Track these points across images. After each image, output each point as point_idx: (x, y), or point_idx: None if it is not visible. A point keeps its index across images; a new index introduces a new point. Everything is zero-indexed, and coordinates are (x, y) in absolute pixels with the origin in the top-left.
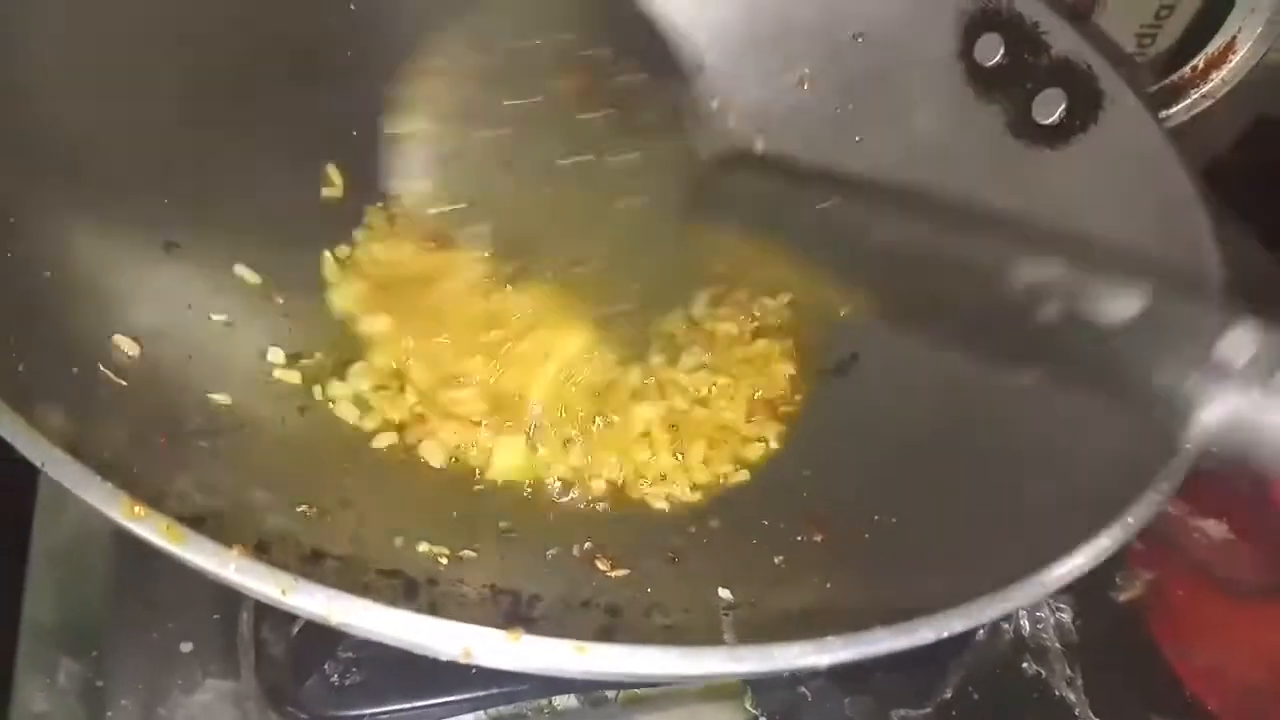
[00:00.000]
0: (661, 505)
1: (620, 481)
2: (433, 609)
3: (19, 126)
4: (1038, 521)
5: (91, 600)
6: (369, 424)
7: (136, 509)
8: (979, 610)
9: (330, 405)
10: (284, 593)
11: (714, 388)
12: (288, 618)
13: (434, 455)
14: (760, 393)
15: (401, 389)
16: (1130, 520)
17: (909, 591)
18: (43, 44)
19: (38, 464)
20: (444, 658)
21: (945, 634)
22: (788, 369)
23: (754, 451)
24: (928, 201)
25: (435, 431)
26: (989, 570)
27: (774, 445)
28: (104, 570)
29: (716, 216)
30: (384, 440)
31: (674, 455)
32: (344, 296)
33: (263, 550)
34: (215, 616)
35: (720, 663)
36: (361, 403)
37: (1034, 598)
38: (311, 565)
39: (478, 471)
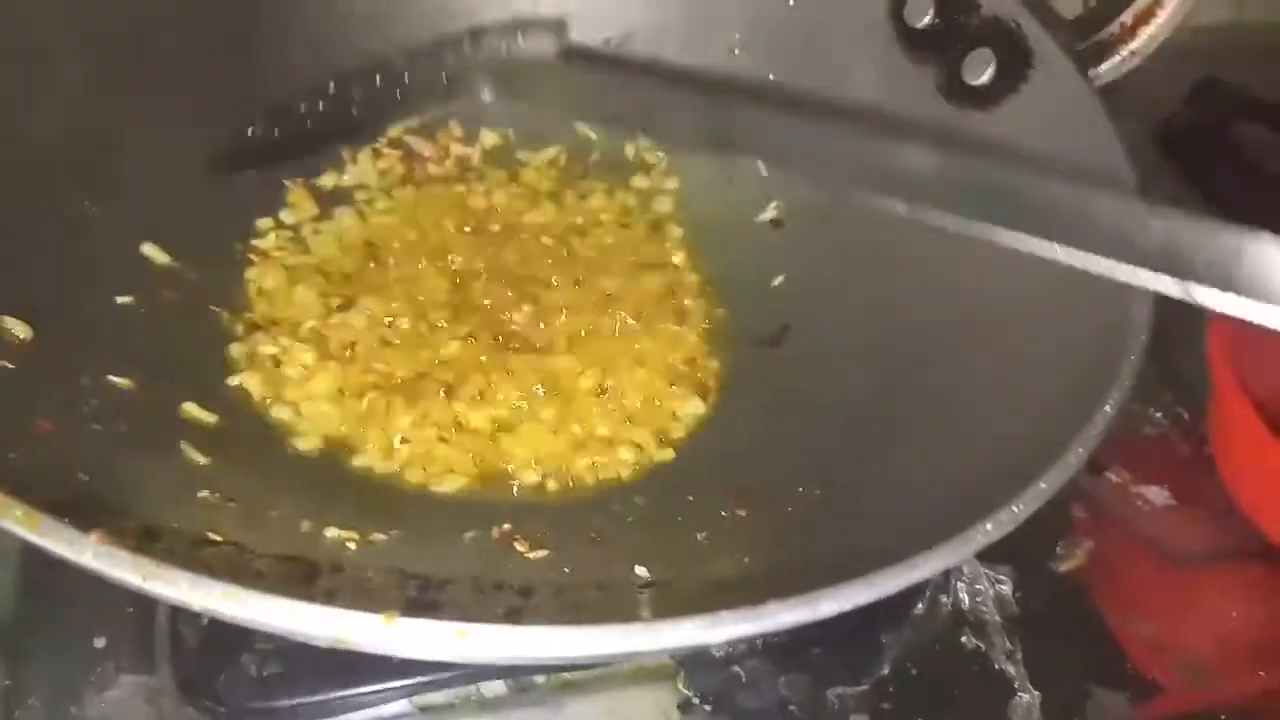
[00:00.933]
0: (587, 484)
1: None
2: (329, 595)
3: None
4: (955, 490)
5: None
6: (280, 414)
7: None
8: (879, 580)
9: (243, 391)
10: (144, 579)
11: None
12: None
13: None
14: (681, 362)
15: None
16: (1043, 485)
17: (825, 562)
18: None
19: None
20: (320, 644)
21: (846, 606)
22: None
23: (678, 425)
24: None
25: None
26: (910, 537)
27: (700, 417)
28: (12, 563)
29: None
30: (305, 444)
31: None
32: (262, 277)
33: (151, 536)
34: (130, 610)
35: (612, 640)
36: (273, 388)
37: (935, 568)
38: (202, 550)
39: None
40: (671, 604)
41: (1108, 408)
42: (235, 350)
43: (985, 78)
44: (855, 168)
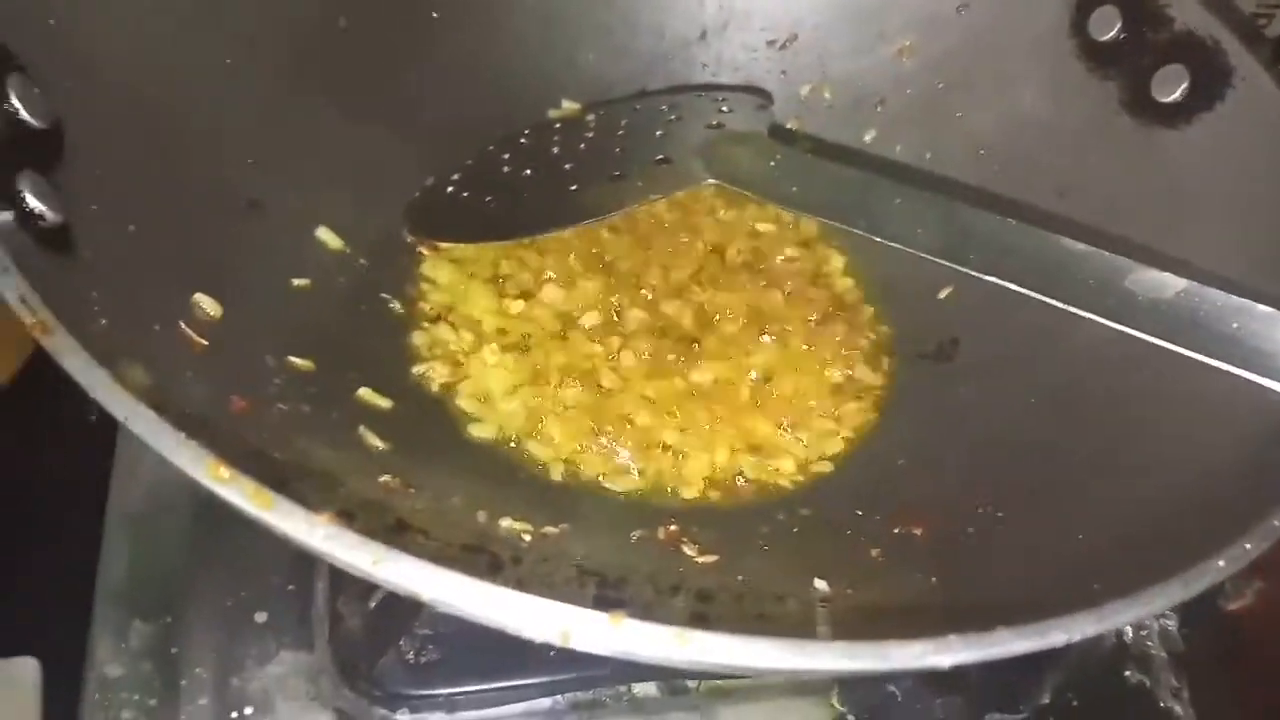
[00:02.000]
0: (751, 492)
1: (714, 470)
2: (520, 587)
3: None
4: (1162, 523)
5: (167, 566)
6: (460, 403)
7: (222, 471)
8: (1111, 613)
9: (423, 378)
10: (375, 564)
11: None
12: (364, 591)
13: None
14: (843, 374)
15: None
16: (1277, 523)
17: (1020, 590)
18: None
19: (120, 418)
20: (539, 640)
21: (1076, 636)
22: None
23: (841, 438)
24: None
25: (544, 431)
26: (1105, 573)
27: (864, 432)
28: (180, 535)
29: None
30: (482, 433)
31: (761, 434)
32: (435, 270)
33: (345, 518)
34: (290, 587)
35: (832, 658)
36: (454, 376)
37: (1172, 601)
38: (396, 537)
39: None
40: (852, 620)
41: None
42: (417, 339)
43: (1178, 94)
44: (1094, 293)
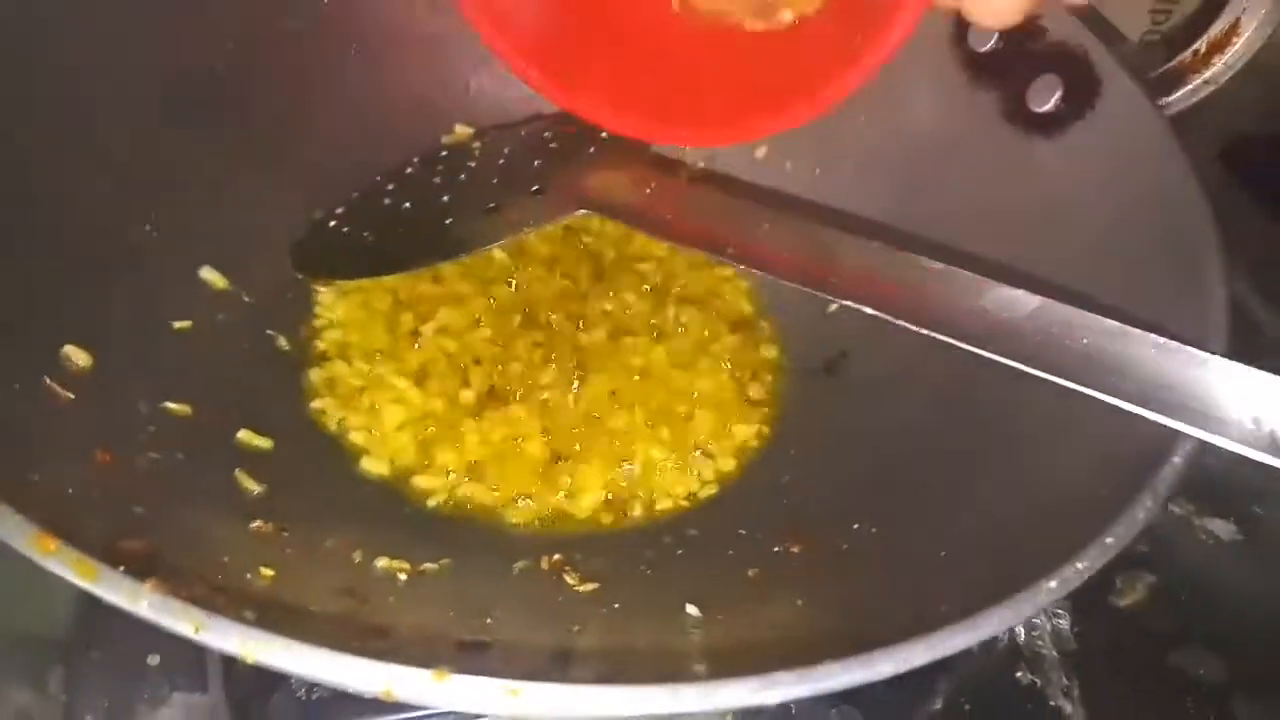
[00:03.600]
0: (640, 516)
1: (604, 494)
2: (381, 633)
3: None
4: (1012, 539)
5: (58, 610)
6: (355, 439)
7: (49, 544)
8: (940, 641)
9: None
10: (196, 630)
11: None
12: None
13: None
14: (736, 391)
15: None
16: (1109, 540)
17: (881, 610)
18: None
19: None
20: (366, 696)
21: (904, 667)
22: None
23: (731, 457)
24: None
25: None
26: (960, 590)
27: (754, 450)
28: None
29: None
30: (374, 467)
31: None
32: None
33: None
34: None
35: (662, 700)
36: (348, 412)
37: (1000, 627)
38: (253, 584)
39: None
40: (722, 646)
41: (1177, 459)
42: (313, 375)
43: (1051, 104)
44: (949, 314)
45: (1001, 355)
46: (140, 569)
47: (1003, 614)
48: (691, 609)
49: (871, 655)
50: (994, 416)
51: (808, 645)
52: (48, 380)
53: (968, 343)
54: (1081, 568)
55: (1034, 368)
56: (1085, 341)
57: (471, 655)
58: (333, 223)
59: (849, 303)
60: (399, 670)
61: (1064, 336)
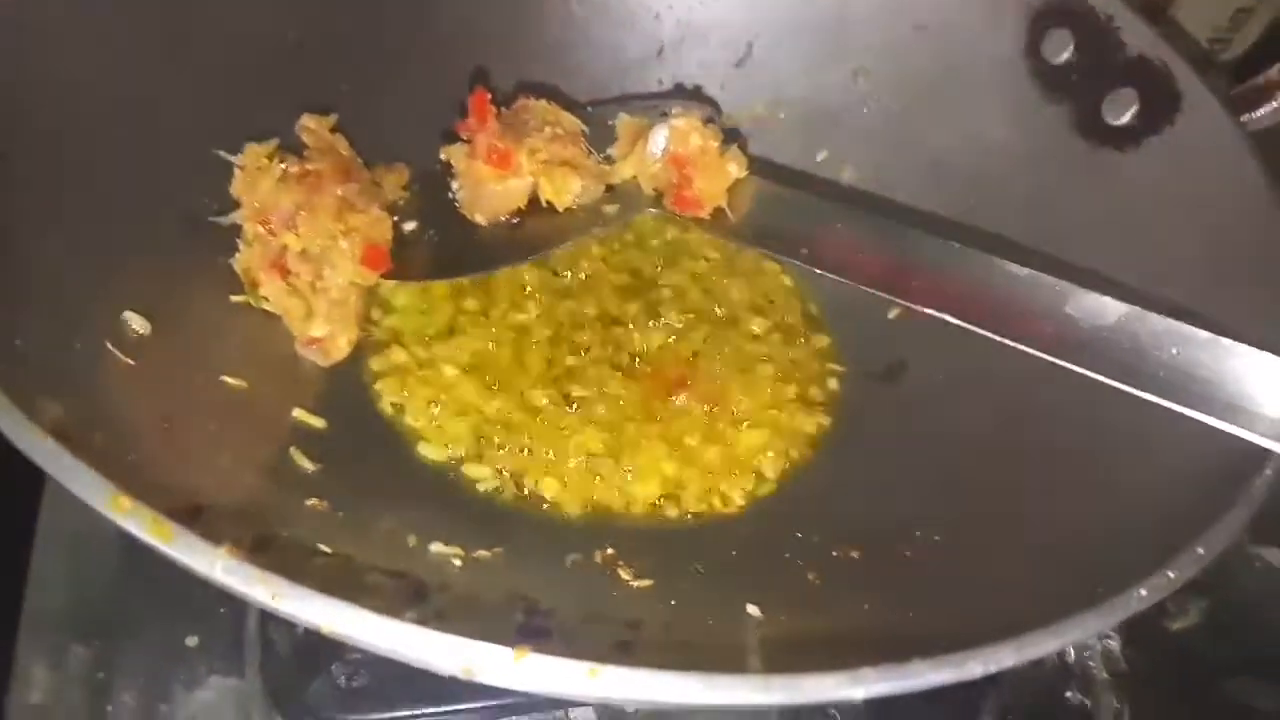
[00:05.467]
0: (694, 514)
1: (660, 491)
2: (440, 616)
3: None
4: (1093, 549)
5: (97, 588)
6: (411, 422)
7: (122, 501)
8: (1029, 644)
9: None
10: (273, 598)
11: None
12: None
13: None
14: (791, 393)
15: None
16: (1200, 550)
17: (952, 617)
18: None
19: (24, 450)
20: (444, 674)
21: (993, 668)
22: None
23: (786, 459)
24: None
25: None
26: (1039, 598)
27: (810, 453)
28: (111, 557)
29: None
30: (430, 453)
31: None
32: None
33: (261, 545)
34: (222, 610)
35: (746, 692)
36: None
37: (1089, 632)
38: (312, 560)
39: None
40: (785, 647)
41: (1269, 470)
42: (372, 360)
43: (1128, 118)
44: (1034, 323)
45: (1088, 369)
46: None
47: (1092, 619)
48: (752, 609)
49: (958, 655)
50: (1068, 426)
51: (885, 645)
52: (108, 343)
53: (1054, 355)
54: (1173, 576)
55: (1123, 383)
56: (1175, 352)
57: (535, 641)
58: (395, 217)
59: (930, 311)
60: (480, 648)
61: (1152, 346)
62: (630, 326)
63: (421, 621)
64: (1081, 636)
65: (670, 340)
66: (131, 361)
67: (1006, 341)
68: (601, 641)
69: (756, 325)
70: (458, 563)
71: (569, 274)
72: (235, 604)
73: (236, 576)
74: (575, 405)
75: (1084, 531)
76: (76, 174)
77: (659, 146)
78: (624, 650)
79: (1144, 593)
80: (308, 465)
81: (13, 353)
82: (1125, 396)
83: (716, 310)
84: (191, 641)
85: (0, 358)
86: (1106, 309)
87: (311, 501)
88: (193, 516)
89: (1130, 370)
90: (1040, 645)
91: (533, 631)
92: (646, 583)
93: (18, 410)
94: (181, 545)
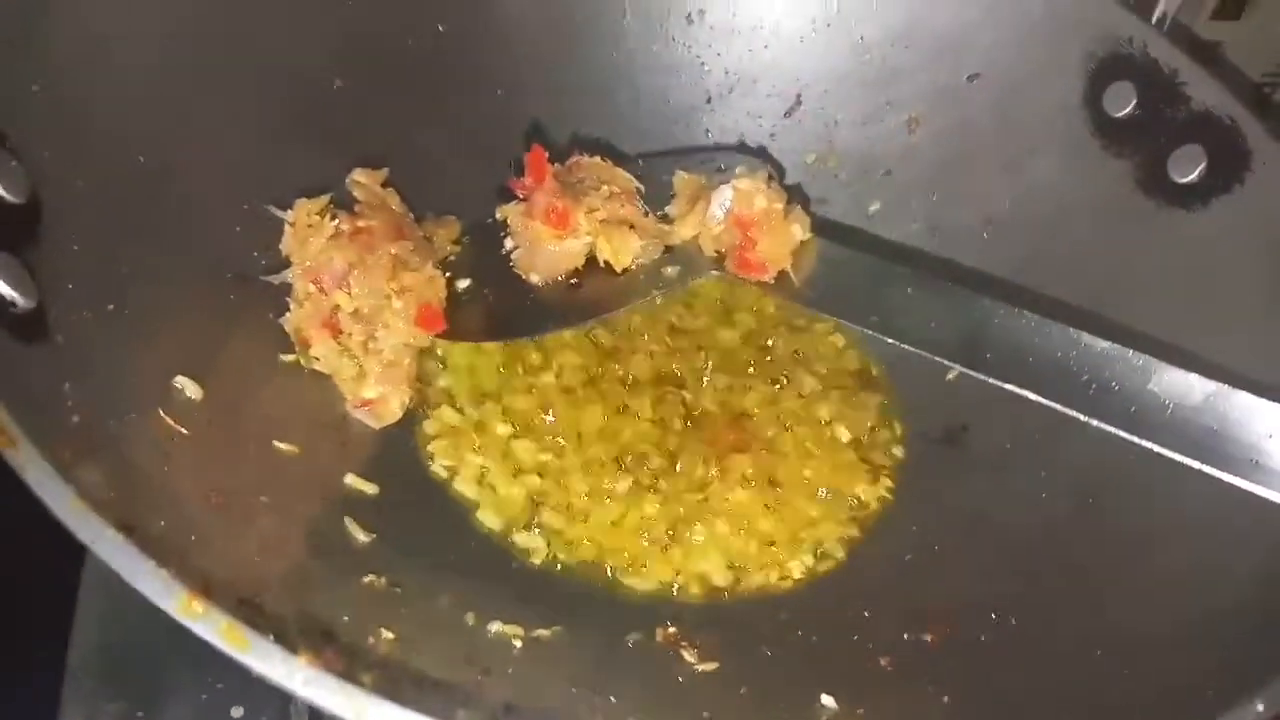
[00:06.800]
0: (757, 587)
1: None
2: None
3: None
4: (1193, 639)
5: (142, 654)
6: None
7: (194, 604)
8: None
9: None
10: (356, 715)
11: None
12: None
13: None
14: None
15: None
16: None
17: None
18: None
19: (88, 543)
20: None
21: None
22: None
23: (851, 527)
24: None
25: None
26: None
27: (873, 521)
28: (156, 621)
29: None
30: (486, 520)
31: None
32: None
33: (327, 637)
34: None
35: None
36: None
37: None
38: (375, 649)
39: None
40: None
41: None
42: (425, 423)
43: (1195, 175)
44: (1116, 399)
45: (1171, 449)
46: (280, 635)
47: None
48: (827, 699)
49: None
50: (1126, 507)
51: None
52: (161, 412)
53: (1134, 433)
54: (1262, 709)
55: (1210, 465)
56: (1269, 435)
57: None
58: (447, 273)
59: (1007, 385)
60: None
61: (1241, 427)
62: (683, 386)
63: None
64: None
65: (725, 400)
66: (185, 431)
67: (1089, 420)
68: None
69: (813, 386)
70: (518, 643)
71: (618, 330)
72: None
73: (317, 688)
74: (632, 474)
75: (1172, 625)
76: (125, 233)
77: (722, 208)
78: None
79: (1260, 707)
80: (361, 536)
81: (68, 430)
82: (1209, 479)
83: (769, 368)
84: (237, 713)
85: (55, 439)
86: (1192, 387)
87: (369, 579)
88: (257, 610)
89: (1218, 454)
90: None
91: None
92: (712, 665)
93: (81, 501)
94: (259, 655)
